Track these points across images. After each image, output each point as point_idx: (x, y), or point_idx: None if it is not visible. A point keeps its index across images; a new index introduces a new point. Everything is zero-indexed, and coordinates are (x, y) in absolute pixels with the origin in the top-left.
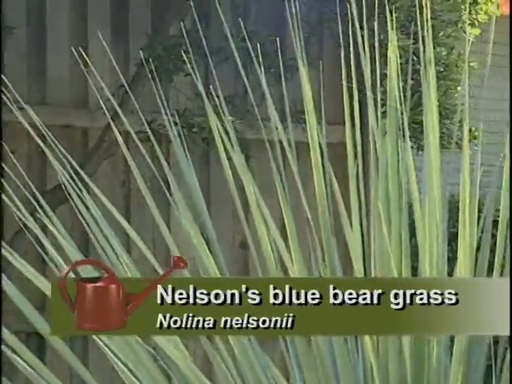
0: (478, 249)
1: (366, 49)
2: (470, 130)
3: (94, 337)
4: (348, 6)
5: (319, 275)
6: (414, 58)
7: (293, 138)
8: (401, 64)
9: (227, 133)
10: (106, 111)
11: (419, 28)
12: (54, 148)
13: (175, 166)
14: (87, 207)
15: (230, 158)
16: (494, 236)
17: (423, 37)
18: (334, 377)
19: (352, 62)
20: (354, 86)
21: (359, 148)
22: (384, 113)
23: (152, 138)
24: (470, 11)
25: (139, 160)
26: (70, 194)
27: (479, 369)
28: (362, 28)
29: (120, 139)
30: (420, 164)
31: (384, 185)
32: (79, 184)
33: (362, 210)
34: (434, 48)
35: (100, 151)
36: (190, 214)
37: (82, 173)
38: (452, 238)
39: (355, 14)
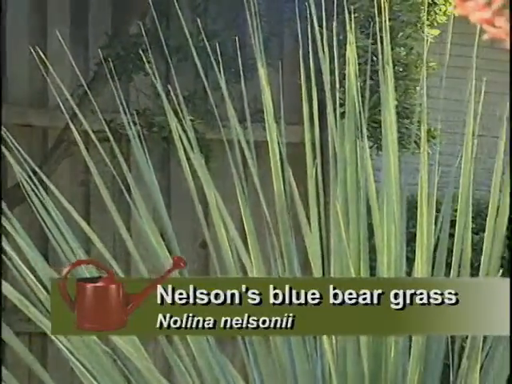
0: (436, 248)
1: (325, 49)
2: (429, 130)
3: (53, 337)
4: (307, 6)
5: (278, 275)
6: (374, 58)
7: (253, 137)
8: (360, 64)
9: (185, 132)
10: (64, 111)
11: (378, 28)
12: (12, 147)
13: (135, 165)
14: (46, 207)
15: (189, 158)
16: (451, 236)
17: (382, 37)
18: (292, 377)
19: (311, 62)
20: (313, 86)
21: (318, 148)
22: (343, 113)
23: (111, 137)
24: (429, 12)
25: (99, 159)
26: (28, 194)
27: (437, 367)
28: (321, 28)
29: (78, 138)
30: (380, 164)
31: (343, 185)
32: (37, 183)
33: (322, 210)
34: (394, 48)
35: (59, 150)
36: (149, 214)
37: (40, 172)
38: (412, 238)
39: (314, 14)
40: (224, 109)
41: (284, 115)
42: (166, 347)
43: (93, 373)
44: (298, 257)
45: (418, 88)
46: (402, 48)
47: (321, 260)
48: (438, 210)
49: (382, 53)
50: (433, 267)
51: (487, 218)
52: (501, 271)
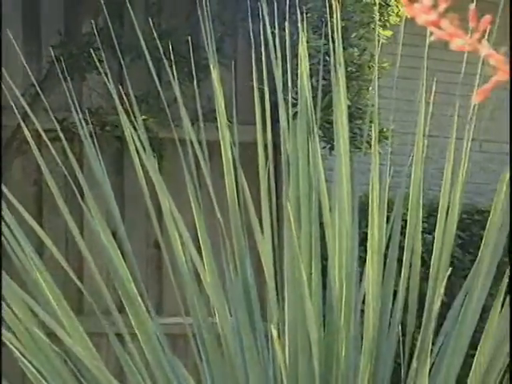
0: (387, 248)
1: (278, 49)
2: (382, 131)
3: (4, 337)
4: (260, 6)
5: (230, 274)
6: (327, 58)
7: (207, 137)
8: (313, 64)
9: (137, 131)
10: (15, 109)
11: (330, 29)
12: None
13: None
14: None
15: (142, 158)
16: (404, 235)
17: (333, 37)
18: (244, 377)
19: (263, 63)
20: (265, 86)
21: (270, 148)
22: (296, 113)
23: (62, 136)
24: (382, 13)
25: (51, 159)
26: None
27: (388, 367)
28: (273, 28)
29: (30, 138)
30: (333, 164)
31: (295, 185)
32: None
33: (274, 210)
34: (347, 49)
35: (11, 149)
36: (100, 214)
37: None
38: (365, 238)
39: (266, 14)
40: (178, 108)
41: (239, 115)
42: (117, 347)
43: (43, 373)
44: (251, 258)
45: (370, 88)
46: (355, 48)
47: (273, 261)
48: (391, 210)
49: (334, 53)
50: (384, 266)
51: (437, 218)
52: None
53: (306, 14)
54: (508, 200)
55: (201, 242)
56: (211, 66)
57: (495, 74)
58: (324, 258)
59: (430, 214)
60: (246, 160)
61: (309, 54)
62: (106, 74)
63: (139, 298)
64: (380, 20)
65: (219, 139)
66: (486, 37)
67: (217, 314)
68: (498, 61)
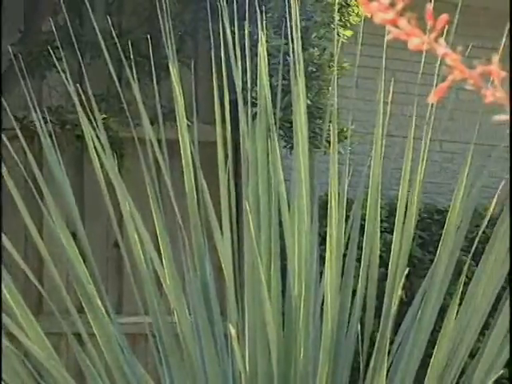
0: (347, 247)
1: (237, 49)
2: (342, 130)
3: None
4: (219, 5)
5: (189, 274)
6: (288, 58)
7: (166, 136)
8: (274, 64)
9: (95, 131)
10: None
11: (290, 29)
12: None
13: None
14: None
15: (102, 157)
16: (362, 233)
17: (293, 37)
18: (203, 377)
19: (223, 62)
20: (225, 85)
21: (230, 148)
22: (256, 113)
23: (20, 135)
24: (343, 13)
25: (10, 158)
26: None
27: (346, 365)
28: (233, 27)
29: None
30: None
31: (254, 185)
32: None
33: (234, 210)
34: (307, 49)
35: None
36: (60, 214)
37: None
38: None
39: (226, 13)
40: (139, 107)
41: (201, 114)
42: (76, 348)
43: (1, 374)
44: (210, 257)
45: (330, 88)
46: (316, 48)
47: (232, 261)
48: (350, 209)
49: (293, 53)
50: (343, 266)
51: (396, 217)
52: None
53: (267, 13)
54: (466, 200)
55: (160, 242)
56: (170, 65)
57: (451, 74)
58: (284, 257)
59: (391, 213)
60: (207, 159)
61: (270, 54)
62: (65, 73)
63: (98, 298)
64: (341, 20)
65: (184, 138)
66: (444, 36)
67: (176, 314)
68: (454, 60)
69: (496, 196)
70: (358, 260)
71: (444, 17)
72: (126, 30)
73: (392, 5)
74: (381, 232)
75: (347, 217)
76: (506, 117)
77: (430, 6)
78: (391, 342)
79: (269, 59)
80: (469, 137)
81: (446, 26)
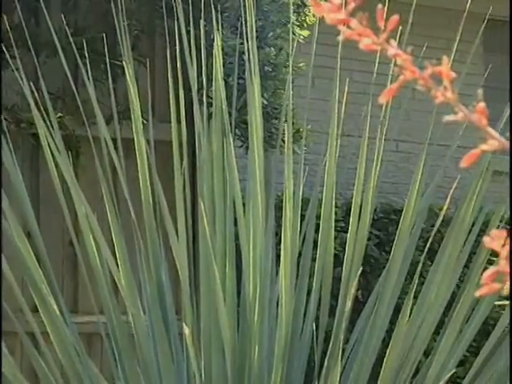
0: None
1: (193, 48)
2: (298, 130)
3: None
4: (175, 4)
5: (143, 272)
6: (245, 58)
7: (123, 135)
8: (231, 63)
9: (49, 129)
10: None
11: (245, 28)
12: None
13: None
14: None
15: (57, 156)
16: (317, 231)
17: (248, 37)
18: (157, 376)
19: (178, 61)
20: (182, 85)
21: (186, 147)
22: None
23: None
24: (299, 13)
25: None
26: None
27: (301, 366)
28: (189, 27)
29: None
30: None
31: (209, 184)
32: None
33: (189, 209)
34: (263, 48)
35: None
36: (14, 213)
37: None
38: None
39: (182, 12)
40: (97, 106)
41: (158, 113)
42: (29, 347)
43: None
44: (166, 256)
45: (286, 88)
46: (272, 48)
47: (187, 261)
48: (306, 209)
49: (248, 52)
50: (298, 266)
51: (351, 216)
52: None
53: (223, 13)
54: (420, 200)
55: (115, 241)
56: (125, 63)
57: (402, 74)
58: (240, 258)
59: (348, 213)
60: (165, 158)
61: (226, 54)
62: (19, 71)
63: (52, 298)
64: (297, 20)
65: (138, 137)
66: (399, 36)
67: (130, 313)
68: (405, 60)
69: (449, 195)
70: (314, 259)
71: (395, 18)
72: (82, 29)
73: (343, 5)
74: (337, 231)
75: (303, 216)
76: (456, 117)
77: (380, 7)
78: (346, 342)
79: (225, 59)
80: (425, 137)
81: (400, 27)
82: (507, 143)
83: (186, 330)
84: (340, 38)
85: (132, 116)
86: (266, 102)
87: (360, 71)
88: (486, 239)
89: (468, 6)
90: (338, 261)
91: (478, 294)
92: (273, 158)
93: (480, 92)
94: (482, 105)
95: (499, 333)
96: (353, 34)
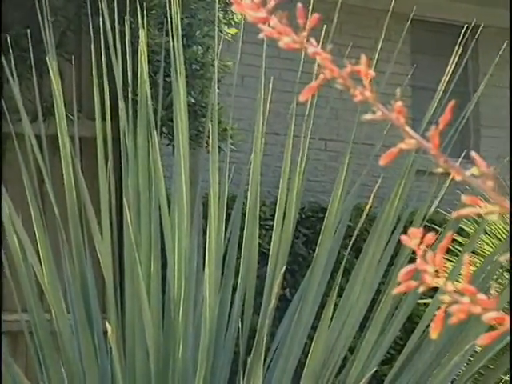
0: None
1: (118, 45)
2: (225, 129)
3: None
4: (100, 1)
5: (67, 270)
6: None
7: (50, 132)
8: (158, 61)
9: None
10: None
11: (171, 26)
12: None
13: None
14: None
15: None
16: (242, 229)
17: (174, 34)
18: (81, 374)
19: (103, 59)
20: (106, 82)
21: (110, 144)
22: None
23: None
24: (227, 11)
25: None
26: None
27: (226, 364)
28: (116, 24)
29: None
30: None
31: (134, 181)
32: None
33: (118, 208)
34: (191, 46)
35: None
36: None
37: None
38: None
39: (106, 9)
40: (24, 102)
41: (85, 110)
42: None
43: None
44: (91, 255)
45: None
46: (200, 47)
47: (112, 259)
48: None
49: (174, 50)
50: (224, 264)
51: (275, 214)
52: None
53: (150, 10)
54: (346, 198)
55: (38, 240)
56: (48, 60)
57: (322, 73)
58: (165, 256)
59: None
60: (92, 156)
61: (153, 51)
62: None
63: None
64: (224, 18)
65: (62, 133)
66: (323, 35)
67: (53, 312)
68: (324, 59)
69: (372, 194)
70: (239, 259)
71: (315, 16)
72: (7, 25)
73: (263, 3)
74: (266, 230)
75: (229, 215)
76: (375, 116)
77: (300, 5)
78: (272, 339)
79: (152, 56)
80: (352, 136)
81: (325, 26)
82: (425, 142)
83: (109, 329)
84: (260, 36)
85: (56, 113)
86: (193, 101)
87: (289, 70)
88: (403, 238)
89: (392, 6)
90: (267, 259)
91: (395, 291)
92: (200, 156)
93: (398, 91)
94: (399, 104)
95: (420, 332)
96: (273, 33)
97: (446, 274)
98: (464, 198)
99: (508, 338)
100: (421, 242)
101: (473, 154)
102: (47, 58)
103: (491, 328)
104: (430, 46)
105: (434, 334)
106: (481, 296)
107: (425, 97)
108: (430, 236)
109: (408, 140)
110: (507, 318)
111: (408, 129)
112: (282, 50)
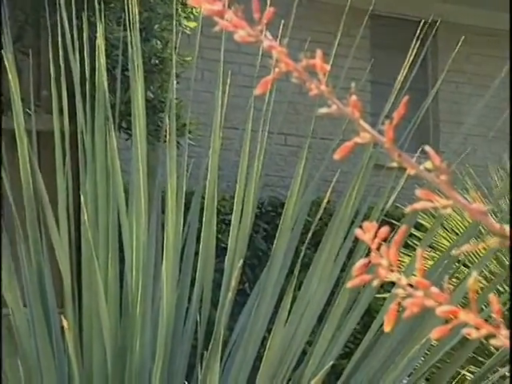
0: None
1: (75, 40)
2: (184, 125)
3: None
4: None
5: (24, 265)
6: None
7: (8, 126)
8: (117, 56)
9: None
10: None
11: (129, 20)
12: None
13: None
14: None
15: None
16: (200, 225)
17: (132, 28)
18: (38, 373)
19: (61, 53)
20: (63, 75)
21: (67, 139)
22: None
23: None
24: (186, 5)
25: None
26: None
27: (183, 359)
28: (71, 17)
29: None
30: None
31: (92, 177)
32: None
33: (76, 203)
34: (150, 41)
35: None
36: None
37: None
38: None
39: (64, 3)
40: None
41: (45, 105)
42: None
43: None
44: (48, 250)
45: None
46: (159, 41)
47: (69, 254)
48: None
49: (132, 45)
50: (181, 259)
51: (234, 209)
52: None
53: (109, 4)
54: (304, 193)
55: None
56: (4, 54)
57: (277, 67)
58: (123, 251)
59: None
60: (52, 150)
61: (112, 45)
62: None
63: None
64: (184, 12)
65: (19, 128)
66: (281, 29)
67: (10, 307)
68: (280, 53)
69: (330, 189)
70: (197, 254)
71: (270, 10)
72: None
73: None
74: (226, 224)
75: (188, 209)
76: (330, 110)
77: None
78: (230, 333)
79: (111, 50)
80: (311, 131)
81: (283, 20)
82: (380, 136)
83: (65, 323)
84: (216, 29)
85: (13, 106)
86: (152, 96)
87: (248, 64)
88: (358, 232)
89: (350, 1)
90: (226, 253)
91: (349, 285)
92: (159, 151)
93: (353, 85)
94: (354, 98)
95: (378, 326)
96: (229, 26)
97: (401, 268)
98: (418, 192)
99: (462, 331)
100: (375, 236)
101: (427, 148)
102: (3, 52)
103: (447, 322)
104: (391, 41)
105: (387, 327)
106: (434, 290)
107: (384, 92)
108: (385, 230)
109: (363, 134)
110: (460, 311)
111: (363, 123)
112: (242, 45)
